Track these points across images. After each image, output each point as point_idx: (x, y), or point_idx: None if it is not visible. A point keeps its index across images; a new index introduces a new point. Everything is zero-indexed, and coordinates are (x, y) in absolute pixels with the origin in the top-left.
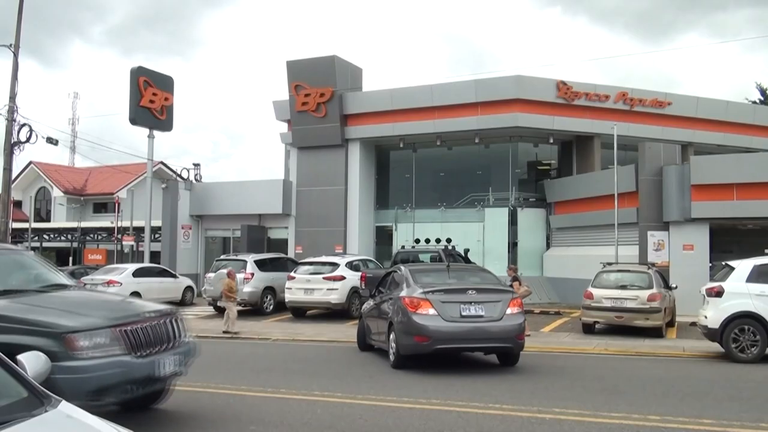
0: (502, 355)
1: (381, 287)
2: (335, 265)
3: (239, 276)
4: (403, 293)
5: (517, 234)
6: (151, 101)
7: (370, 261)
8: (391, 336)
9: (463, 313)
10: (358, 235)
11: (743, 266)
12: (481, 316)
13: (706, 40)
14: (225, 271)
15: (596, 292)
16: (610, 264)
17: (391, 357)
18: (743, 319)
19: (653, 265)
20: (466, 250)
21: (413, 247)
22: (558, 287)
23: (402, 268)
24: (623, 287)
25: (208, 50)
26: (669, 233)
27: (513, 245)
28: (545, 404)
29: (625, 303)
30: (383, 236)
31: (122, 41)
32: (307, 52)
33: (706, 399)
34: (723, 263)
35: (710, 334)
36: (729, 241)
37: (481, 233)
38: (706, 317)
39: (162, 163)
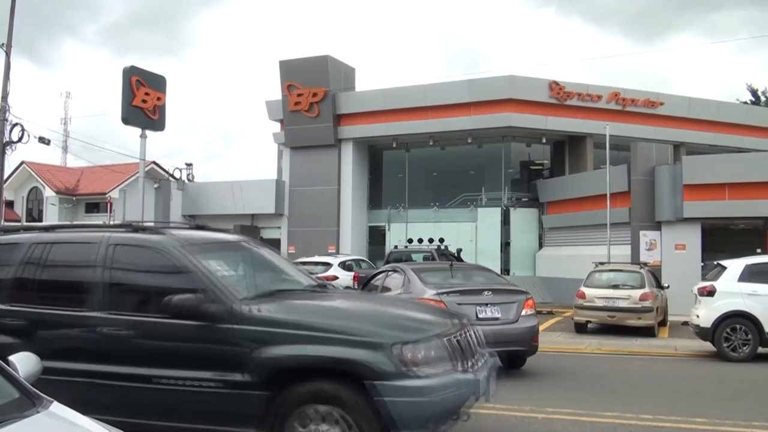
0: (509, 358)
1: (369, 288)
2: (328, 265)
3: None
4: (412, 295)
5: (510, 234)
6: (143, 101)
7: (363, 261)
8: None
9: (480, 316)
10: (350, 235)
11: (735, 266)
12: (497, 319)
13: (700, 41)
14: None
15: (589, 291)
16: (602, 263)
17: None
18: (735, 318)
19: (645, 264)
20: (459, 250)
21: (406, 247)
22: (550, 287)
23: (403, 267)
24: (615, 287)
25: (202, 50)
26: (661, 233)
27: (506, 245)
28: (538, 403)
29: (618, 302)
30: (376, 236)
31: (116, 41)
32: (300, 51)
33: (698, 398)
34: (715, 263)
35: (702, 333)
36: (721, 240)
37: (473, 233)
38: (698, 316)
39: (154, 163)
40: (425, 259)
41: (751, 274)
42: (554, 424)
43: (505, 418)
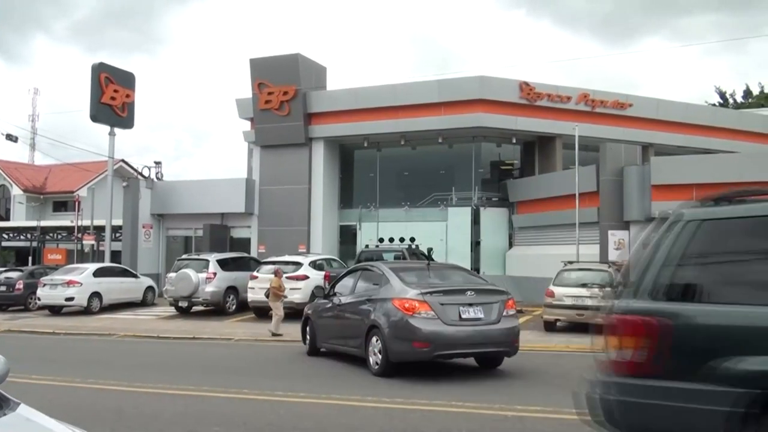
0: (486, 359)
1: (336, 287)
2: (298, 264)
3: (201, 275)
4: (393, 294)
5: (480, 233)
6: (112, 98)
7: (334, 260)
8: (373, 341)
9: (463, 316)
10: (321, 235)
11: None
12: (480, 319)
13: (669, 44)
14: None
15: (558, 290)
16: (571, 263)
17: (374, 364)
18: None
19: (614, 263)
20: (430, 249)
21: (377, 246)
22: (520, 286)
23: (379, 266)
24: (584, 285)
25: (174, 47)
26: (629, 232)
27: (476, 244)
28: (508, 401)
29: (586, 301)
30: (347, 235)
31: (86, 37)
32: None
33: None
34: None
35: None
36: None
37: (444, 232)
38: None
39: (123, 161)
40: (396, 258)
41: None
42: (523, 421)
43: (475, 416)
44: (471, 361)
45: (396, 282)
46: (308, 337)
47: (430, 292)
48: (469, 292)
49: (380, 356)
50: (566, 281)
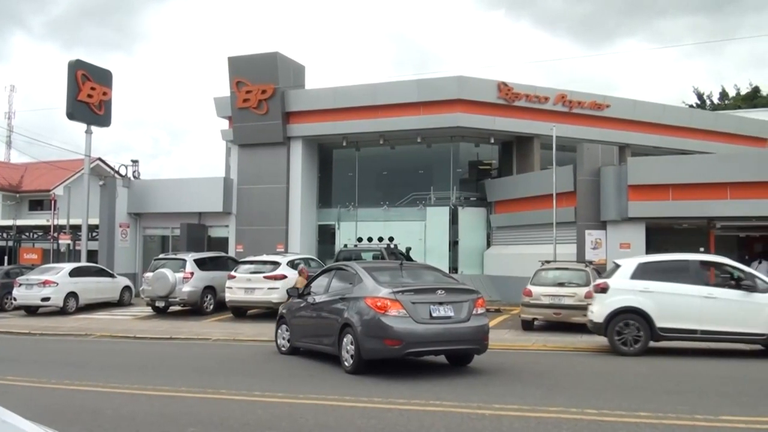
0: (456, 356)
1: (311, 287)
2: (276, 264)
3: (178, 275)
4: (366, 293)
5: (458, 233)
6: (89, 95)
7: (313, 260)
8: (346, 339)
9: (434, 314)
10: (300, 234)
11: (629, 264)
12: (450, 317)
13: (646, 46)
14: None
15: (535, 289)
16: (548, 262)
17: (346, 362)
18: (627, 314)
19: (591, 263)
20: (408, 249)
21: (356, 245)
22: (498, 285)
23: (352, 265)
24: (561, 285)
25: (152, 45)
26: (606, 232)
27: (454, 244)
28: (485, 400)
29: (563, 300)
30: (326, 235)
31: (64, 34)
32: (250, 48)
33: (643, 393)
34: (613, 261)
35: (596, 327)
36: (665, 240)
37: (422, 232)
38: (592, 312)
39: (100, 159)
40: (375, 257)
41: (643, 272)
42: (501, 420)
43: (453, 415)
44: (446, 359)
45: (369, 281)
46: (284, 336)
47: (402, 291)
48: (439, 291)
49: (353, 354)
50: (544, 280)
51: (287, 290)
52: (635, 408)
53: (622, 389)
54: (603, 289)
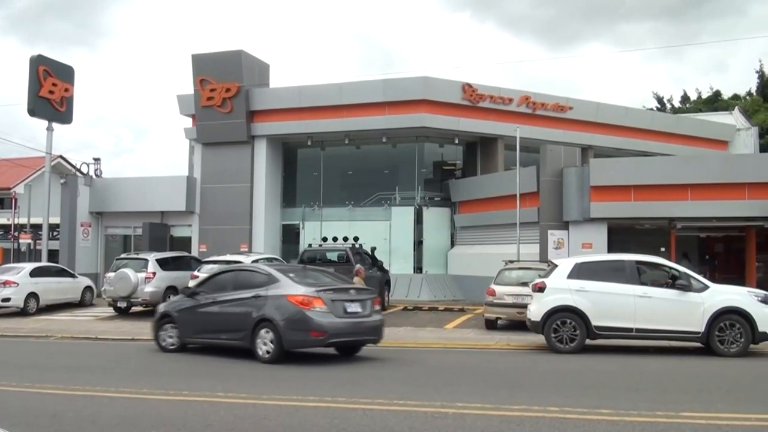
0: (346, 348)
1: (203, 287)
2: (240, 263)
3: (140, 275)
4: (288, 291)
5: (423, 232)
6: (50, 92)
7: (276, 259)
8: (262, 332)
9: (347, 310)
10: (264, 234)
11: (566, 264)
12: (359, 313)
13: (609, 49)
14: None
15: (498, 289)
16: (511, 262)
17: (264, 353)
18: (563, 312)
19: (552, 262)
20: (373, 249)
21: (320, 245)
22: (462, 285)
23: (261, 267)
24: (525, 284)
25: (115, 41)
26: (569, 232)
27: (418, 243)
28: (449, 399)
29: (526, 299)
30: (290, 235)
31: (25, 28)
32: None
33: (604, 390)
34: (551, 261)
35: (533, 326)
36: (626, 240)
37: (387, 232)
38: (530, 311)
39: (61, 157)
40: (340, 258)
41: (580, 272)
42: (464, 418)
43: (416, 414)
44: (420, 358)
45: (287, 281)
46: (170, 334)
47: (324, 290)
48: (351, 291)
49: (272, 345)
50: (507, 280)
51: (180, 289)
52: (596, 405)
53: (586, 387)
54: (540, 289)
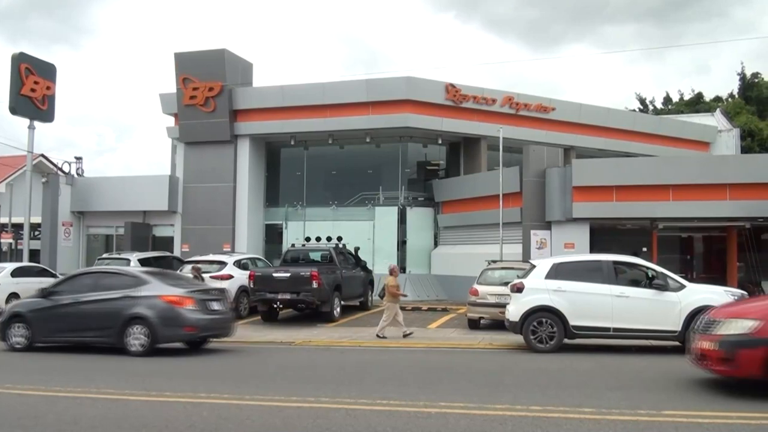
0: (194, 342)
1: (59, 288)
2: (223, 263)
3: None
4: (160, 291)
5: (406, 232)
6: (32, 90)
7: (259, 259)
8: (134, 329)
9: (211, 308)
10: (247, 234)
11: (543, 264)
12: (219, 310)
13: (593, 51)
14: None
15: (481, 288)
16: (494, 262)
17: (138, 347)
18: (542, 312)
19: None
20: (357, 248)
21: (303, 245)
22: (445, 284)
23: (131, 270)
24: (507, 284)
25: (98, 39)
26: (551, 232)
27: (402, 243)
28: (432, 398)
29: (509, 299)
30: (273, 235)
31: (8, 26)
32: (197, 44)
33: (586, 389)
34: (530, 262)
35: (512, 326)
36: (608, 239)
37: (371, 232)
38: (509, 311)
39: (43, 155)
40: (323, 258)
41: (558, 272)
42: (447, 417)
43: (399, 413)
44: (403, 357)
45: (157, 283)
46: (20, 334)
47: (193, 291)
48: (212, 291)
49: (145, 340)
50: (490, 280)
51: (39, 289)
52: (579, 404)
53: (567, 386)
54: (519, 289)
